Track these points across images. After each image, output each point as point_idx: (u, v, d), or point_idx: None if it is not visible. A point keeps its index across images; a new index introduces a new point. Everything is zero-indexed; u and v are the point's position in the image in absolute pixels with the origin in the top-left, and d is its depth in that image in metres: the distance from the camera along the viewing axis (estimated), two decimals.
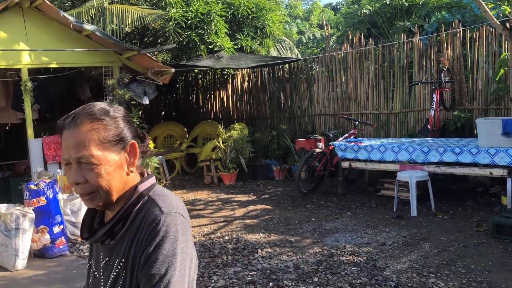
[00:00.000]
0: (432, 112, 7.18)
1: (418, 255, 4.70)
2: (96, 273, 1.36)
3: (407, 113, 8.25)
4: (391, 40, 9.74)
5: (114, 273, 1.28)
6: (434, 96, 7.19)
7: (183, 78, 12.54)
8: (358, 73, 8.87)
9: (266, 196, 7.80)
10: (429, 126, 7.13)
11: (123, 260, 1.26)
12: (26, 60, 6.73)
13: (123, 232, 1.28)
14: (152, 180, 1.34)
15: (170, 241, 1.20)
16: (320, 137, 8.02)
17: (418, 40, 8.08)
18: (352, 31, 10.34)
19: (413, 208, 6.08)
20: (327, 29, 10.20)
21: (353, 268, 4.44)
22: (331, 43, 10.49)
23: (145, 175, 1.35)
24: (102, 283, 1.32)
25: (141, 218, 1.25)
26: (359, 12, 11.21)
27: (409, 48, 8.23)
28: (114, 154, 1.24)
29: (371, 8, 11.21)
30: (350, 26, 12.04)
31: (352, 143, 6.98)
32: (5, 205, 5.30)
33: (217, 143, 9.32)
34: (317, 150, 7.60)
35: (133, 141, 1.29)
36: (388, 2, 10.70)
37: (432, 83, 7.45)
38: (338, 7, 25.26)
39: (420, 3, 10.34)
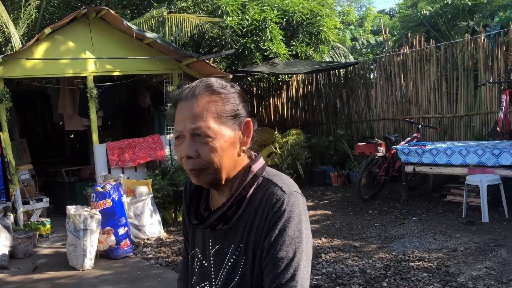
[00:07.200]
0: (501, 114, 6.79)
1: (495, 261, 4.41)
2: (204, 261, 1.27)
3: (473, 116, 7.87)
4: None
5: (232, 260, 1.20)
6: (504, 97, 6.80)
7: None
8: (419, 76, 8.58)
9: (325, 202, 7.64)
10: (498, 129, 6.76)
11: (240, 245, 1.18)
12: (91, 68, 7.01)
13: (238, 216, 1.20)
14: (262, 160, 1.25)
15: (295, 222, 1.14)
16: (381, 142, 7.79)
17: (484, 40, 7.71)
18: (411, 34, 10.03)
19: (484, 213, 5.75)
20: (385, 33, 9.96)
21: (424, 274, 4.23)
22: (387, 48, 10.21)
23: (253, 157, 1.25)
24: (213, 272, 1.24)
25: (259, 200, 1.18)
26: (418, 14, 10.86)
27: (473, 48, 7.88)
28: (229, 129, 1.17)
29: (431, 9, 10.84)
30: (407, 29, 11.73)
31: (416, 147, 6.70)
32: (74, 206, 5.47)
33: (273, 148, 9.27)
34: (378, 154, 7.37)
35: (248, 119, 1.21)
36: (450, 2, 10.29)
37: (502, 83, 7.07)
38: (391, 13, 24.76)
39: (485, 1, 9.89)
